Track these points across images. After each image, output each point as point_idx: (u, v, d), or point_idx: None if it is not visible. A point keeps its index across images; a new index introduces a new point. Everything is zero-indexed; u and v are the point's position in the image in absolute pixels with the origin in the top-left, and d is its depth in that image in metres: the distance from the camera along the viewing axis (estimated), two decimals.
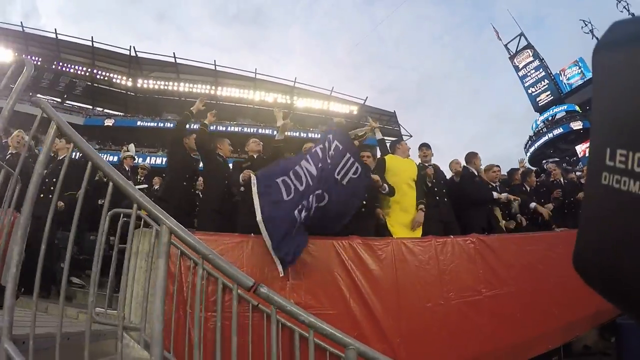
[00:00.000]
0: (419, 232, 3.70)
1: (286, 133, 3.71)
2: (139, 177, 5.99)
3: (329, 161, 3.06)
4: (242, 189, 3.17)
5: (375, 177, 3.48)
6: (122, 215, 2.93)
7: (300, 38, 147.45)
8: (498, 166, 5.11)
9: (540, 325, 3.81)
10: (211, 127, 3.98)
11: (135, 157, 6.74)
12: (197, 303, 2.13)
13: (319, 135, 3.77)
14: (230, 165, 4.09)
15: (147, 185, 5.80)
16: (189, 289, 2.74)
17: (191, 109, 3.88)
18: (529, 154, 32.20)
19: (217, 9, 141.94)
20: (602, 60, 0.51)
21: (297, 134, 23.63)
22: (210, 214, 3.44)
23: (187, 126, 4.11)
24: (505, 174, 5.75)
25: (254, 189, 2.90)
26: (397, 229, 3.65)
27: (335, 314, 2.86)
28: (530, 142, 33.14)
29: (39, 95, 26.47)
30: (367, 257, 3.13)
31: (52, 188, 3.67)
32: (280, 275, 2.81)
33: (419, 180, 3.97)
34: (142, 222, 2.91)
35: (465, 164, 4.82)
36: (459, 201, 4.41)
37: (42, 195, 3.62)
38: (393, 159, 4.05)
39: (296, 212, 2.80)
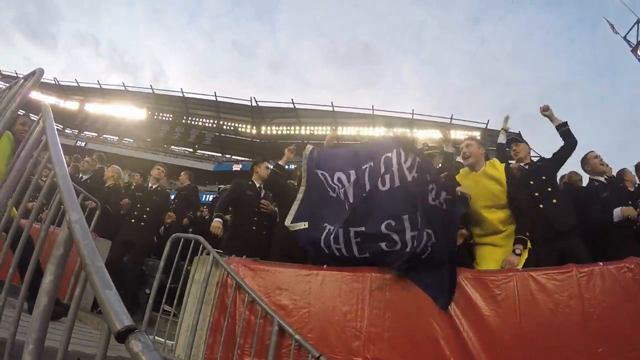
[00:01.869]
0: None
1: None
2: None
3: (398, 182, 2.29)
4: None
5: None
6: (182, 240, 2.65)
7: (412, 68, 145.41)
8: None
9: None
10: None
11: None
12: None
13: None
14: None
15: None
16: (240, 327, 2.18)
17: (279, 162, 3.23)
18: None
19: (327, 53, 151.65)
20: None
21: None
22: (280, 260, 2.73)
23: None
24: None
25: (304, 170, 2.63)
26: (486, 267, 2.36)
27: None
28: None
29: (172, 146, 31.28)
30: (479, 297, 2.07)
31: (144, 216, 3.67)
32: None
33: (512, 187, 2.40)
34: (200, 249, 2.53)
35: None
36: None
37: (133, 221, 3.65)
38: (460, 177, 2.69)
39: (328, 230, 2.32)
